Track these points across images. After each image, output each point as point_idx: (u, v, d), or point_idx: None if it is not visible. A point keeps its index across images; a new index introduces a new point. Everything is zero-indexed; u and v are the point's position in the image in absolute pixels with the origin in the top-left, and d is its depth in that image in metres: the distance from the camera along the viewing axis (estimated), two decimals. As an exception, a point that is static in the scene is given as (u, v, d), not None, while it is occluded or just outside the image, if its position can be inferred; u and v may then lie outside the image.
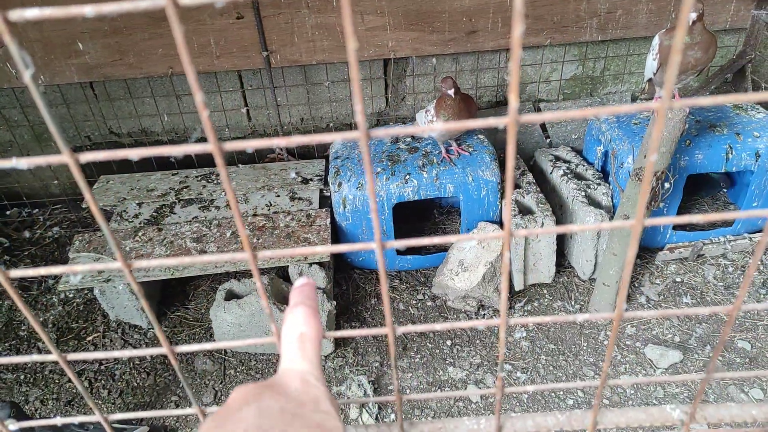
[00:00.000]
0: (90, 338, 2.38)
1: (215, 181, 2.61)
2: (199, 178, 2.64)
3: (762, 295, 2.43)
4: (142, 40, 2.49)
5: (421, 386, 2.17)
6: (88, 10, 0.28)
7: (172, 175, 2.69)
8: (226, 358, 2.30)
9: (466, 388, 2.15)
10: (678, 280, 2.51)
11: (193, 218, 2.42)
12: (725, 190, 2.85)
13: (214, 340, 2.33)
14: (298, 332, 0.46)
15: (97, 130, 2.88)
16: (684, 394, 2.07)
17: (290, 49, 2.57)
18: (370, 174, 0.37)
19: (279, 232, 2.32)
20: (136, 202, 2.51)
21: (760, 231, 2.60)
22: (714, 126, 2.44)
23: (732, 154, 2.37)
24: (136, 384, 2.22)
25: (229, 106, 2.86)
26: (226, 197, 2.53)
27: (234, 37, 2.54)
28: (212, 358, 2.29)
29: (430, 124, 2.30)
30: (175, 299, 2.52)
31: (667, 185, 2.06)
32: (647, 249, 2.61)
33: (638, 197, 2.02)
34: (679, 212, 2.54)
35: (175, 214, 2.46)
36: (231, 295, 2.22)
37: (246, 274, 2.28)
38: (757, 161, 2.38)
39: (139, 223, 2.42)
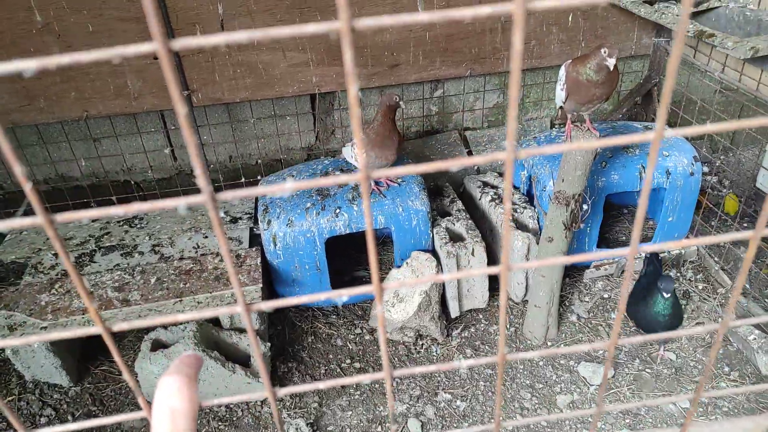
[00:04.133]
0: (4, 401, 2.20)
1: (138, 226, 2.51)
2: (121, 224, 2.53)
3: (683, 305, 2.54)
4: (54, 84, 2.40)
5: (362, 424, 2.12)
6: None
7: (92, 221, 2.56)
8: (156, 411, 2.17)
9: (407, 422, 2.12)
10: (605, 296, 2.60)
11: (114, 266, 2.31)
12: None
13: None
14: (170, 406, 0.43)
15: (8, 178, 2.73)
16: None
17: (212, 88, 2.54)
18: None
19: (207, 275, 2.24)
20: (53, 252, 2.38)
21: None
22: (627, 147, 2.58)
23: (645, 173, 2.50)
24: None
25: (151, 147, 2.78)
26: (150, 242, 2.43)
27: (153, 77, 2.48)
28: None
29: (354, 157, 2.31)
30: (98, 352, 2.37)
31: (585, 207, 2.14)
32: (575, 268, 2.70)
33: (560, 218, 2.09)
34: (602, 230, 2.64)
35: (95, 262, 2.34)
36: (158, 345, 2.11)
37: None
38: (668, 178, 2.52)
39: (56, 275, 2.28)
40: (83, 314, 2.06)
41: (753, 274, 2.61)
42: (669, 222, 2.64)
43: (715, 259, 2.67)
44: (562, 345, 2.39)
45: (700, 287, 2.60)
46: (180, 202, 0.36)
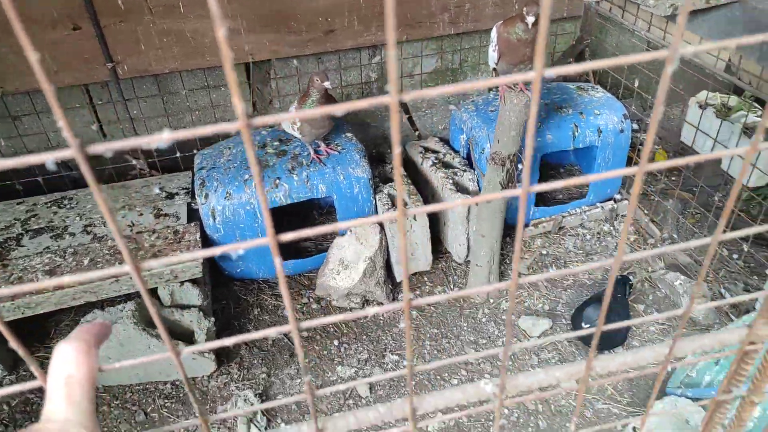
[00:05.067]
0: (-67, 398, 2.10)
1: (68, 206, 2.40)
2: (49, 205, 2.42)
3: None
4: (-39, 57, 2.23)
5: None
6: None
7: (17, 204, 2.43)
8: (99, 394, 2.13)
9: (355, 385, 2.15)
10: (544, 252, 2.69)
11: (44, 249, 2.21)
12: (578, 166, 3.09)
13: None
14: (65, 373, 0.41)
15: None
16: (555, 358, 2.23)
17: (138, 59, 2.42)
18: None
19: (144, 253, 2.18)
20: (-25, 238, 2.25)
21: (609, 200, 2.86)
22: (560, 107, 2.64)
23: (578, 132, 2.57)
24: (-7, 440, 1.99)
25: (78, 124, 2.64)
26: (81, 222, 2.34)
27: (72, 49, 2.34)
28: (83, 397, 2.11)
29: (295, 126, 2.27)
30: (34, 339, 2.29)
31: (520, 166, 2.19)
32: (515, 227, 2.77)
33: (497, 179, 2.13)
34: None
35: (23, 246, 2.23)
36: (96, 327, 2.05)
37: (110, 302, 2.12)
38: (599, 137, 2.60)
39: (-19, 262, 2.16)
40: (11, 300, 1.97)
41: (680, 224, 2.75)
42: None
43: (645, 211, 2.80)
44: (503, 301, 2.47)
45: (632, 239, 2.73)
46: (47, 158, 0.34)
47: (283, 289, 0.41)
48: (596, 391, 2.13)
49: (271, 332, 0.49)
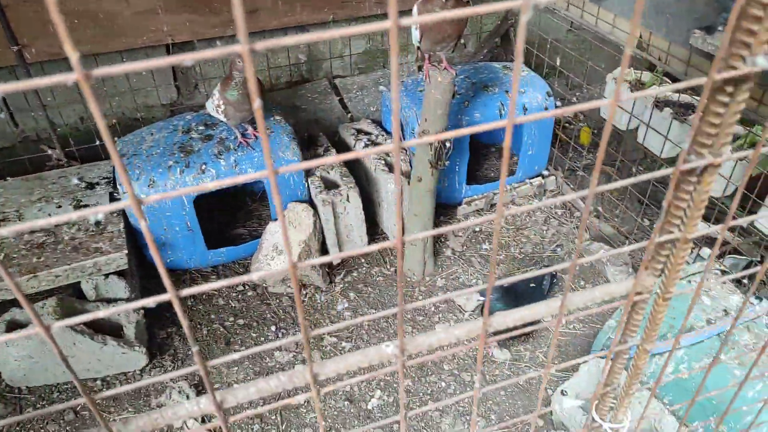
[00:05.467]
0: None
1: (-24, 201, 2.25)
2: (-44, 200, 2.26)
3: (545, 231, 2.76)
4: None
5: (249, 378, 2.12)
6: None
7: None
8: (21, 395, 2.02)
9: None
10: (477, 229, 2.75)
11: (-49, 247, 2.07)
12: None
13: (2, 380, 2.04)
14: None
15: None
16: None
17: (47, 41, 2.28)
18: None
19: (64, 246, 2.07)
20: None
21: (538, 176, 2.95)
22: (487, 86, 2.69)
23: (504, 110, 2.63)
24: None
25: (-16, 113, 2.47)
26: (-7, 217, 2.20)
27: (-29, 31, 2.18)
28: (3, 399, 2.00)
29: (219, 109, 2.21)
30: (-55, 344, 2.14)
31: (448, 144, 2.22)
32: (448, 206, 2.82)
33: (425, 158, 2.15)
34: (470, 168, 2.76)
35: (-74, 245, 2.08)
36: (14, 326, 1.95)
37: (30, 298, 2.01)
38: (525, 114, 2.67)
39: None
40: None
41: (605, 198, 2.88)
42: (529, 155, 2.82)
43: (572, 186, 2.90)
44: (438, 278, 2.51)
45: (559, 213, 2.83)
46: None
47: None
48: (528, 359, 2.21)
49: (149, 302, 0.48)
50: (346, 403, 2.05)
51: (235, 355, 0.53)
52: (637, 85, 2.58)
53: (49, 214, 2.22)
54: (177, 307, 0.47)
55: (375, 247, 0.51)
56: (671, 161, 2.80)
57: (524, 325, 0.67)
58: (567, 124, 3.30)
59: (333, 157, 0.44)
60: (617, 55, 2.67)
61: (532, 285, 2.32)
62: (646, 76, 2.61)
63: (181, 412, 0.57)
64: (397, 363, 0.62)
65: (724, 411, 0.92)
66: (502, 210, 0.47)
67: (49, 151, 2.52)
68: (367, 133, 2.82)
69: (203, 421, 1.93)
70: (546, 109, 2.70)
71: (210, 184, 0.39)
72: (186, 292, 0.47)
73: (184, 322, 0.48)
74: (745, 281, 2.20)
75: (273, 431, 1.97)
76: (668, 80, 2.51)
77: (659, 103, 2.37)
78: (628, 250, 0.60)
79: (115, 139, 2.49)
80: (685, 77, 2.35)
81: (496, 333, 1.92)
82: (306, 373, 0.59)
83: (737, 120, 0.53)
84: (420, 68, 3.26)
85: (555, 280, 2.47)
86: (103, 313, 0.45)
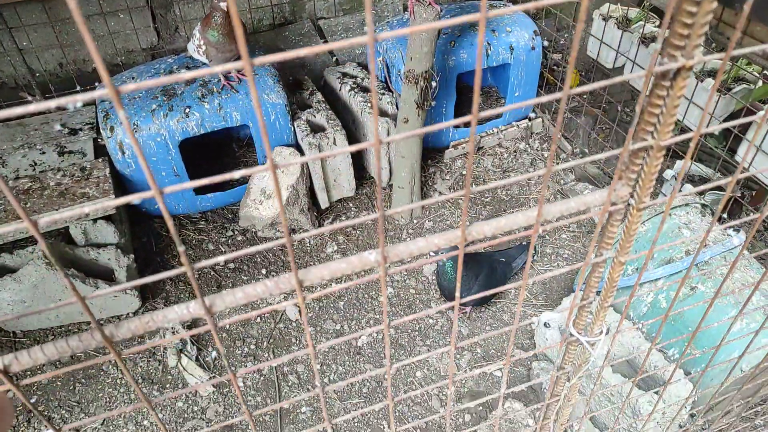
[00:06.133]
0: None
1: (-42, 148, 2.22)
2: (-64, 148, 2.23)
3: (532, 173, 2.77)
4: None
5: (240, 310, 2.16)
6: None
7: None
8: (17, 339, 2.06)
9: (284, 310, 2.19)
10: (464, 172, 2.76)
11: (-65, 194, 2.05)
12: (495, 87, 3.15)
13: (-3, 325, 2.07)
14: None
15: None
16: (476, 268, 2.34)
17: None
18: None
19: (50, 192, 2.07)
20: None
21: (524, 119, 2.94)
22: (473, 25, 2.64)
23: (491, 50, 2.60)
24: None
25: (-42, 58, 2.41)
26: (-24, 164, 2.18)
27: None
28: None
29: (200, 50, 2.17)
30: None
31: (434, 84, 2.20)
32: (435, 149, 2.82)
33: (412, 98, 2.14)
34: (457, 109, 2.75)
35: None
36: (3, 271, 1.96)
37: (17, 244, 2.02)
38: (512, 54, 2.64)
39: None
40: None
41: (592, 140, 2.89)
42: (516, 97, 2.81)
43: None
44: (425, 221, 2.54)
45: (545, 155, 2.85)
46: None
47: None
48: (513, 295, 2.27)
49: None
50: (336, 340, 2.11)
51: (220, 258, 0.54)
52: (624, 22, 2.55)
53: (34, 161, 2.21)
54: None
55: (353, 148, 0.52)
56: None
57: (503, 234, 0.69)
58: (555, 67, 3.27)
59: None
60: (606, -7, 2.63)
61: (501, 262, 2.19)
62: (633, 12, 2.57)
63: (171, 315, 0.59)
64: (379, 270, 0.64)
65: (694, 330, 0.97)
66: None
67: (29, 98, 2.47)
68: (352, 77, 2.78)
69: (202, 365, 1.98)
70: (533, 49, 2.67)
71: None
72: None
73: (173, 232, 0.49)
74: (725, 216, 2.25)
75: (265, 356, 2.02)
76: (655, 15, 2.49)
77: (645, 39, 2.35)
78: (603, 157, 0.62)
79: (96, 84, 2.45)
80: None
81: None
82: (292, 278, 0.61)
83: (708, 22, 0.54)
84: (405, 7, 3.19)
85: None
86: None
